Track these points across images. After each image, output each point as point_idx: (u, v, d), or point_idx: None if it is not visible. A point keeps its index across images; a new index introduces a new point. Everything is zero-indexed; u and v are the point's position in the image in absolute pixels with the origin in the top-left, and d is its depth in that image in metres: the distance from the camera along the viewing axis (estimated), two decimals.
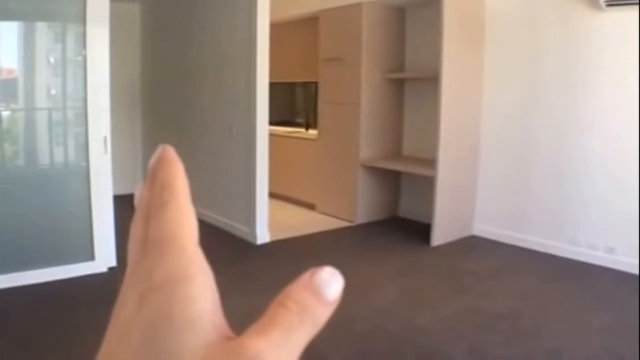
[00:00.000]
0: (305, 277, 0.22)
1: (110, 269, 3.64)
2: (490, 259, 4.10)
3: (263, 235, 4.37)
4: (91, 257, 3.55)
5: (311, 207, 5.49)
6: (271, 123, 6.77)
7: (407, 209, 5.25)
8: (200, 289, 0.21)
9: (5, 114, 3.34)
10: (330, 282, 0.22)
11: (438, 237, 4.34)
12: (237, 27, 4.42)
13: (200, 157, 5.12)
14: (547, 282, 3.60)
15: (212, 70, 4.84)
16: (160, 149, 0.25)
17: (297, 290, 0.22)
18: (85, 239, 3.52)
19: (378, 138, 5.05)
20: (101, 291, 3.38)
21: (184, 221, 0.23)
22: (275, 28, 6.32)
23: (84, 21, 3.39)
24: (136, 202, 0.25)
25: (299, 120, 6.32)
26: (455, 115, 4.29)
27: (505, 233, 4.45)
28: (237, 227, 4.57)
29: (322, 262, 0.28)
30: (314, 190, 5.46)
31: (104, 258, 3.61)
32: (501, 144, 4.48)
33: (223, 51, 4.64)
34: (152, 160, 0.24)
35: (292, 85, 6.36)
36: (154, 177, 0.24)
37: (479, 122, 4.55)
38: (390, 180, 5.19)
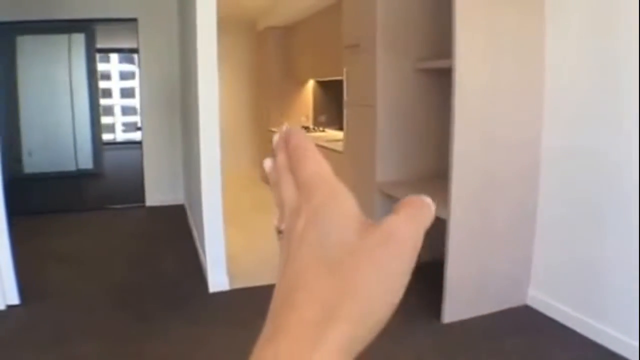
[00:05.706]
0: (406, 199, 0.30)
1: (10, 307, 3.05)
2: None
3: (218, 282, 3.35)
4: None
5: None
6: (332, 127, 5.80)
7: None
8: (349, 195, 0.30)
9: None
10: (424, 198, 0.30)
11: (457, 308, 2.86)
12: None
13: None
14: None
15: (189, 70, 4.07)
16: (284, 127, 0.33)
17: (405, 201, 0.30)
18: None
19: (409, 152, 3.65)
20: None
21: (322, 164, 0.31)
22: (314, 19, 5.32)
23: None
24: (268, 169, 0.33)
25: None
26: (485, 121, 2.77)
27: (574, 315, 2.74)
28: None
29: None
30: None
31: (1, 293, 3.03)
32: (568, 168, 2.78)
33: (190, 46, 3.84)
34: (277, 136, 0.33)
35: None
36: (286, 144, 0.32)
37: (536, 132, 2.90)
38: None
